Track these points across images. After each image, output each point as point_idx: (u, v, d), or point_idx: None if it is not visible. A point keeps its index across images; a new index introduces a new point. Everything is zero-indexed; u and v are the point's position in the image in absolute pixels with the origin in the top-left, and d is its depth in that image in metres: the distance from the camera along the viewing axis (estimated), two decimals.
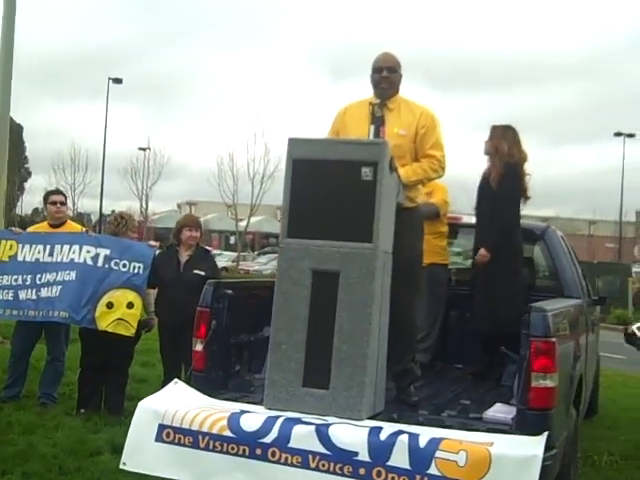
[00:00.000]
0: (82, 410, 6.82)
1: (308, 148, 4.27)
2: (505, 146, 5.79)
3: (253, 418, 3.95)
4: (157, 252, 7.09)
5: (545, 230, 6.37)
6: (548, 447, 3.76)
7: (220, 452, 3.92)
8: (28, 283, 6.95)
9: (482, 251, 5.70)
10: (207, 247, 8.47)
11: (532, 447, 3.63)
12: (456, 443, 3.65)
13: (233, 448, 3.89)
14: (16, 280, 6.98)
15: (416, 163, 4.73)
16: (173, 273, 6.66)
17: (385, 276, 4.24)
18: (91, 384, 6.97)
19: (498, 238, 5.68)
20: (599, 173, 71.12)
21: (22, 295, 6.94)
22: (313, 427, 3.82)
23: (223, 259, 42.34)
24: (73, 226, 7.73)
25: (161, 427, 4.06)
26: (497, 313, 5.55)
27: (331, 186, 4.18)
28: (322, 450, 3.75)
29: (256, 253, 52.50)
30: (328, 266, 4.13)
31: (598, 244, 51.04)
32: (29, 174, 68.21)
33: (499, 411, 4.38)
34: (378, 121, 4.73)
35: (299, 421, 3.90)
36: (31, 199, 61.58)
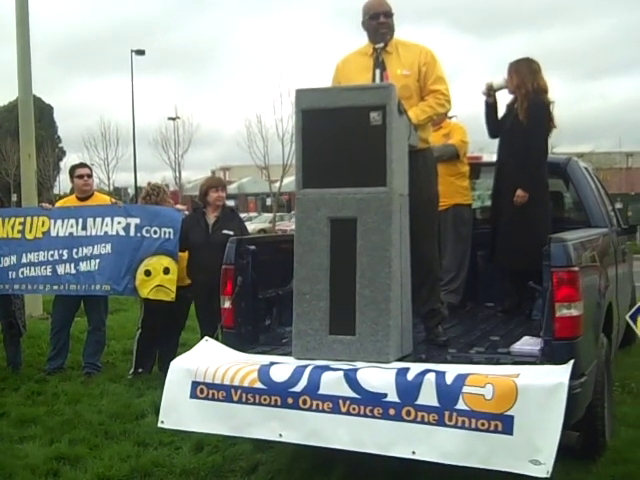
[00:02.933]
0: (140, 370, 7.01)
1: (315, 98, 4.26)
2: (524, 78, 5.69)
3: (282, 369, 4.01)
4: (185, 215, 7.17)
5: (567, 162, 6.28)
6: (576, 375, 3.78)
7: (253, 404, 3.99)
8: (65, 258, 7.12)
9: (519, 192, 5.57)
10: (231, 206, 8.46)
11: (558, 375, 3.63)
12: (482, 377, 3.67)
13: (265, 399, 3.96)
14: (52, 255, 7.16)
15: (422, 102, 4.71)
16: (202, 235, 6.72)
17: (402, 219, 4.25)
18: (149, 345, 7.18)
19: (532, 175, 5.58)
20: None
21: (60, 270, 7.11)
22: (341, 373, 3.87)
23: (261, 221, 42.50)
24: (101, 198, 7.87)
25: (194, 384, 4.14)
26: (524, 248, 5.52)
27: (341, 133, 4.17)
28: (352, 394, 3.80)
29: (292, 212, 52.52)
30: (345, 213, 4.14)
31: (636, 176, 50.11)
32: (63, 153, 69.02)
33: (526, 343, 4.39)
34: (380, 66, 4.71)
35: (327, 368, 3.95)
36: (67, 178, 62.03)
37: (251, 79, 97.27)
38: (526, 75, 5.66)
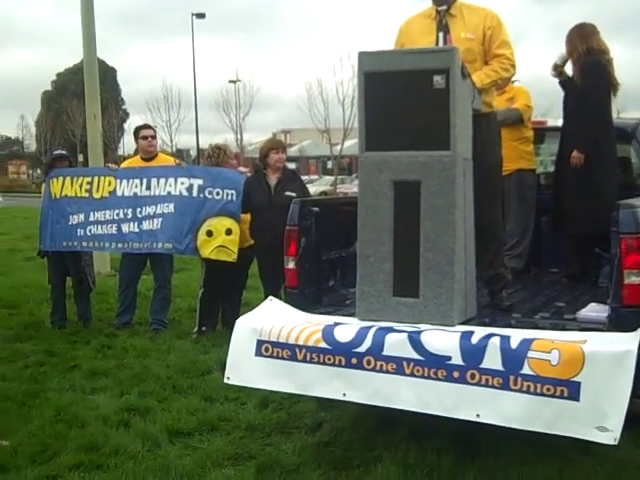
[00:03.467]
0: (203, 328, 7.18)
1: (378, 60, 4.24)
2: (575, 43, 5.61)
3: (346, 329, 4.06)
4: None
5: (636, 127, 6.15)
6: None
7: (317, 363, 4.05)
8: (129, 217, 7.27)
9: (575, 153, 5.54)
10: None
11: (626, 343, 3.59)
12: (548, 343, 3.65)
13: (330, 359, 4.02)
14: (118, 214, 7.32)
15: (486, 66, 4.64)
16: (265, 197, 6.79)
17: (466, 182, 4.23)
18: (211, 304, 7.31)
19: (589, 136, 5.51)
20: None
21: (125, 228, 7.28)
22: (405, 335, 3.90)
23: (322, 184, 42.55)
24: (165, 158, 8.01)
25: (259, 342, 4.23)
26: (587, 213, 5.45)
27: (404, 97, 4.15)
28: (415, 356, 3.82)
29: (354, 175, 52.49)
30: (408, 176, 4.14)
31: None
32: (127, 115, 70.07)
33: (593, 310, 4.36)
34: (443, 29, 4.66)
35: (391, 330, 3.99)
36: (131, 139, 62.97)
37: (311, 42, 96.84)
38: (576, 39, 5.62)
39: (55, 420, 4.93)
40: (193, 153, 52.30)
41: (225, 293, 7.34)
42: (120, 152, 62.58)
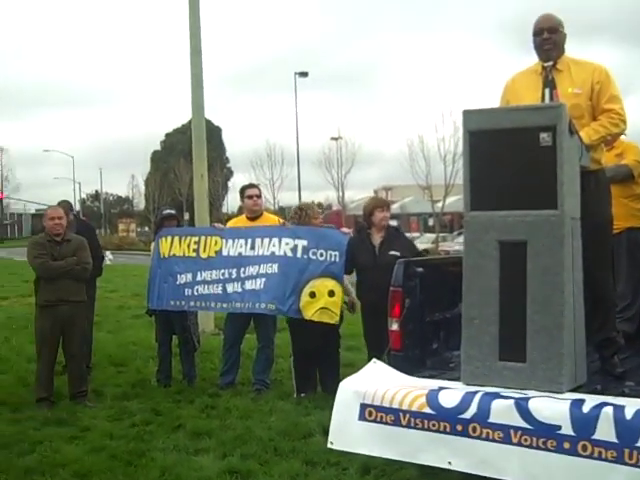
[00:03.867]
0: (302, 394, 7.14)
1: (483, 119, 4.21)
2: None
3: (451, 394, 3.97)
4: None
5: None
6: None
7: (422, 429, 3.97)
8: (234, 277, 7.37)
9: None
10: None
11: None
12: None
13: (434, 425, 3.93)
14: (223, 274, 7.44)
15: (595, 122, 4.53)
16: (369, 257, 6.76)
17: (575, 242, 4.11)
18: (305, 369, 7.29)
19: None
20: None
21: (229, 288, 7.37)
22: (512, 401, 3.78)
23: (423, 241, 42.29)
24: (270, 218, 8.11)
25: (363, 406, 4.17)
26: None
27: (510, 155, 4.10)
28: (523, 424, 3.70)
29: (456, 233, 51.98)
30: (514, 236, 4.07)
31: None
32: (231, 173, 72.07)
33: None
34: (550, 84, 4.59)
35: (498, 395, 3.88)
36: (235, 197, 64.76)
37: (413, 99, 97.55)
38: None
39: None
40: None
41: (319, 355, 7.27)
42: (224, 210, 64.23)
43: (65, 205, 8.15)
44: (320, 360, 7.27)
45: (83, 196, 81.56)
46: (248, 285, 7.27)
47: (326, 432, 5.27)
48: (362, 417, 4.17)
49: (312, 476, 4.97)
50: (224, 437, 5.90)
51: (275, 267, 7.20)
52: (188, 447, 5.71)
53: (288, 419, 6.30)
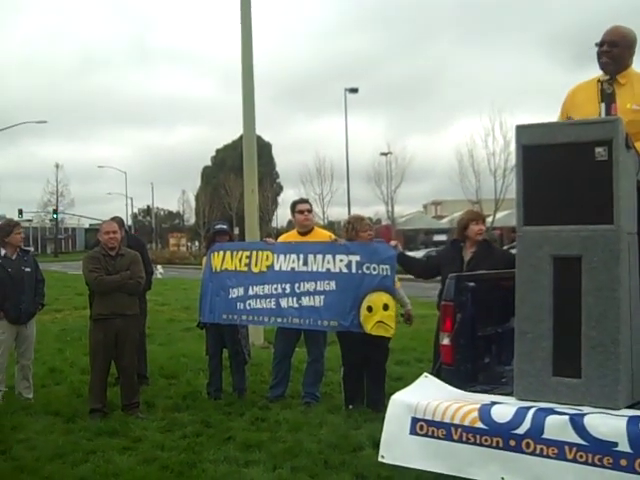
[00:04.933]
0: (350, 406, 7.14)
1: (537, 133, 4.17)
2: None
3: (504, 409, 3.93)
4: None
5: None
6: None
7: (473, 444, 3.93)
8: (288, 292, 7.39)
9: None
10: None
11: None
12: None
13: (486, 440, 3.90)
14: (276, 289, 7.46)
15: None
16: (454, 272, 6.62)
17: (631, 258, 4.04)
18: (354, 381, 7.28)
19: None
20: None
21: (284, 303, 7.39)
22: (567, 417, 3.73)
23: None
24: (321, 233, 8.12)
25: (414, 420, 4.15)
26: None
27: (564, 169, 4.05)
28: (578, 441, 3.64)
29: (506, 247, 51.51)
30: (569, 251, 4.01)
31: None
32: (281, 188, 72.63)
33: None
34: (608, 98, 4.52)
35: (552, 411, 3.83)
36: (284, 212, 65.26)
37: (463, 113, 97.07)
38: None
39: None
40: None
41: (366, 368, 7.26)
42: (274, 224, 64.66)
43: (118, 220, 8.29)
44: (367, 373, 7.25)
45: (135, 211, 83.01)
46: (305, 301, 7.29)
47: (376, 445, 5.25)
48: (413, 431, 4.15)
49: None
50: (274, 449, 5.93)
51: (333, 284, 7.20)
52: (238, 459, 5.74)
53: (338, 432, 6.31)
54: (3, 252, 7.92)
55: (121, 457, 5.86)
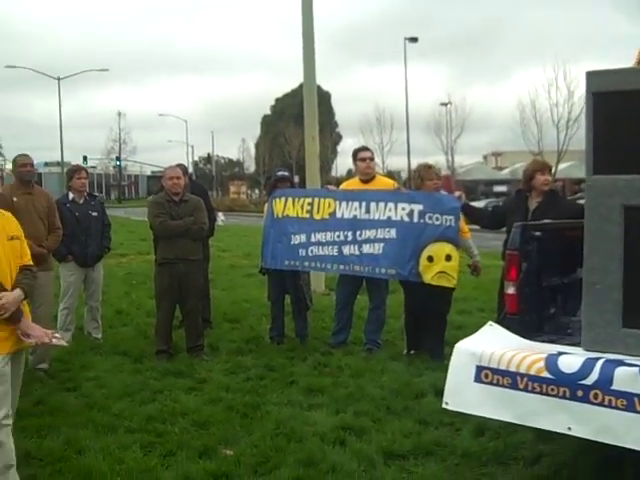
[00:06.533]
0: (412, 352, 7.18)
1: (608, 80, 4.03)
2: None
3: (571, 359, 3.89)
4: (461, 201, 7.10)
5: None
6: None
7: (539, 393, 3.90)
8: (350, 239, 7.39)
9: None
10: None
11: None
12: None
13: (553, 389, 3.86)
14: (338, 236, 7.47)
15: None
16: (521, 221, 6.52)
17: None
18: (415, 328, 7.30)
19: None
20: None
21: (346, 250, 7.41)
22: (637, 369, 3.68)
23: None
24: (383, 181, 8.09)
25: (479, 368, 4.14)
26: None
27: (636, 117, 3.93)
28: None
29: (568, 198, 50.54)
30: None
31: None
32: (340, 137, 72.34)
33: None
34: None
35: (621, 363, 3.77)
36: (343, 161, 65.09)
37: (525, 63, 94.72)
38: None
39: (275, 433, 5.13)
40: (403, 175, 52.80)
41: (427, 317, 7.25)
42: (333, 173, 64.56)
43: (182, 167, 8.36)
44: (429, 322, 7.26)
45: (196, 159, 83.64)
46: (366, 249, 7.29)
47: (438, 393, 5.30)
48: (478, 379, 4.14)
49: (425, 435, 5.00)
50: (337, 394, 6.01)
51: (393, 232, 7.18)
52: (302, 402, 5.85)
53: (400, 379, 6.35)
54: (71, 196, 8.09)
55: (187, 397, 6.02)
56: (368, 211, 7.36)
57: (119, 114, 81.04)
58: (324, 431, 5.12)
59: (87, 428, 5.27)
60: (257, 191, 75.02)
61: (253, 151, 79.11)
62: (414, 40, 43.24)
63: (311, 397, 6.00)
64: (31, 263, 4.26)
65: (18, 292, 4.02)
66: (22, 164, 7.04)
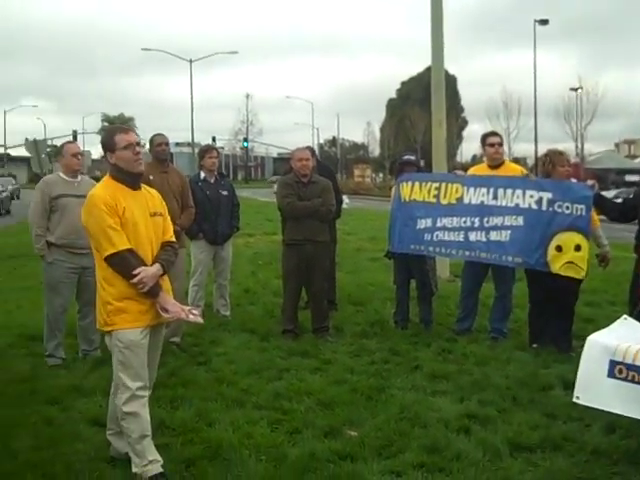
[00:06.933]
0: (534, 345, 7.02)
1: None
2: None
3: None
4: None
5: None
6: None
7: None
8: (476, 225, 7.28)
9: None
10: None
11: None
12: None
13: None
14: (465, 222, 7.37)
15: None
16: None
17: None
18: (540, 320, 7.12)
19: None
20: None
21: (472, 237, 7.30)
22: None
23: None
24: (512, 167, 7.93)
25: (613, 363, 4.03)
26: None
27: None
28: None
29: None
30: None
31: None
32: (466, 122, 71.27)
33: None
34: None
35: None
36: (468, 146, 64.27)
37: None
38: None
39: (399, 417, 5.14)
40: (529, 162, 51.55)
41: (553, 308, 7.03)
42: (458, 159, 63.76)
43: (311, 149, 8.44)
44: (555, 313, 7.05)
45: (321, 142, 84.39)
46: (493, 236, 7.16)
47: (567, 386, 5.19)
48: (612, 374, 4.04)
49: (553, 429, 4.88)
50: (461, 382, 5.97)
51: (520, 219, 7.01)
52: (426, 388, 5.83)
53: (526, 369, 6.24)
54: (203, 175, 8.34)
55: (313, 377, 6.13)
56: (496, 197, 7.22)
57: (247, 96, 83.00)
58: (448, 418, 5.09)
59: (217, 401, 5.46)
60: (381, 175, 74.95)
61: (378, 134, 79.08)
62: (544, 22, 41.99)
63: (435, 383, 5.97)
64: (173, 240, 4.45)
65: (157, 267, 4.20)
66: (158, 143, 7.31)
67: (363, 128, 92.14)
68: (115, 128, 4.56)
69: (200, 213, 7.87)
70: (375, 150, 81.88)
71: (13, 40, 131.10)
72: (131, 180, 4.30)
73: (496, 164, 7.67)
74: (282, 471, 4.31)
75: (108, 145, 4.31)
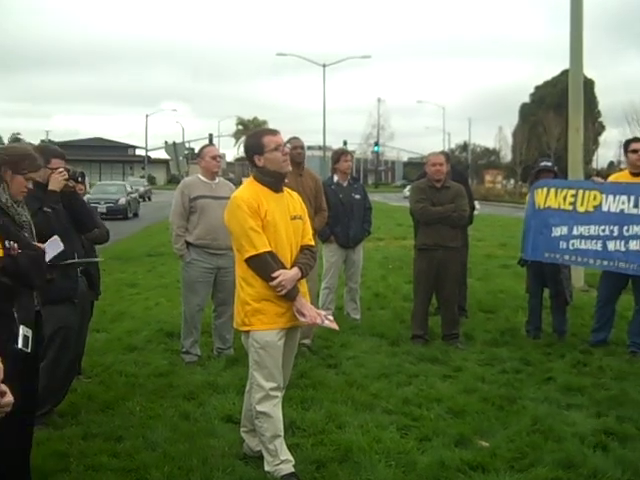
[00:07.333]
0: None
1: None
2: None
3: None
4: None
5: None
6: None
7: None
8: (615, 234, 7.03)
9: None
10: None
11: None
12: None
13: None
14: (603, 230, 7.13)
15: None
16: None
17: None
18: None
19: None
20: None
21: (611, 246, 7.05)
22: None
23: None
24: None
25: None
26: None
27: None
28: None
29: None
30: None
31: None
32: (603, 128, 68.70)
33: None
34: None
35: None
36: (605, 152, 62.00)
37: None
38: None
39: (531, 429, 5.01)
40: None
41: None
42: (594, 165, 61.60)
43: (445, 154, 8.39)
44: None
45: (452, 146, 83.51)
46: (632, 245, 6.89)
47: None
48: None
49: None
50: (597, 396, 5.77)
51: None
52: (559, 401, 5.68)
53: None
54: (336, 179, 8.44)
55: (442, 384, 6.09)
56: (637, 206, 6.94)
57: (378, 100, 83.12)
58: (584, 433, 4.93)
59: (346, 404, 5.50)
60: (512, 181, 73.36)
61: (510, 140, 77.41)
62: None
63: (569, 396, 5.80)
64: (312, 243, 4.51)
65: (295, 270, 4.27)
66: (295, 146, 7.46)
67: (495, 133, 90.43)
68: (262, 131, 4.63)
69: (332, 216, 7.96)
70: (507, 156, 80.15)
71: (154, 44, 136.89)
72: (275, 182, 4.38)
73: (639, 172, 7.39)
74: (411, 478, 4.30)
75: (257, 148, 4.37)
